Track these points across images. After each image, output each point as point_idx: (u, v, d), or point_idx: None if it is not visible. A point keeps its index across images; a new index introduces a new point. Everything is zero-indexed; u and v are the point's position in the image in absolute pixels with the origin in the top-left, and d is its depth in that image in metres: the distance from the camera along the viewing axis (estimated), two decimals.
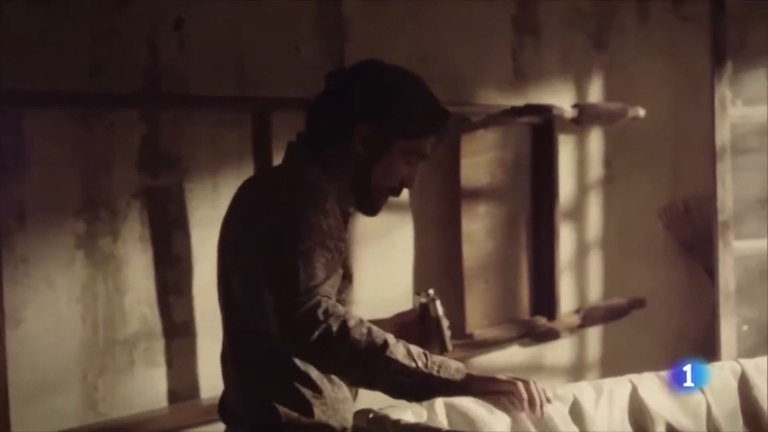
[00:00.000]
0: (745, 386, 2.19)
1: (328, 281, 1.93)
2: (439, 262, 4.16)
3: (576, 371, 4.81)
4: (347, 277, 2.15)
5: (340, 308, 1.90)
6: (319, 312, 1.86)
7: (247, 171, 3.40)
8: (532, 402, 1.94)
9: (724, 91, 3.88)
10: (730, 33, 4.08)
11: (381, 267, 3.94)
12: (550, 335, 4.48)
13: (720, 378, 2.17)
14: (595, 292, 4.91)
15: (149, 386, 3.25)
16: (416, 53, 3.90)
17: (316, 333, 1.85)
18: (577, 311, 4.72)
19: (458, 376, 1.95)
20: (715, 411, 2.13)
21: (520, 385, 1.95)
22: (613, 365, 4.62)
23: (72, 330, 3.05)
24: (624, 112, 4.64)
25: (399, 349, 1.90)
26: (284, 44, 3.61)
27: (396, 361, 1.88)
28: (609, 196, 4.92)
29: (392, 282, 3.99)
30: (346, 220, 2.12)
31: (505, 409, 1.93)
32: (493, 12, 4.30)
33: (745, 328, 4.35)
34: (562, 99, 4.56)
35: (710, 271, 4.44)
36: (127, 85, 3.16)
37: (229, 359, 2.18)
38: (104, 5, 3.11)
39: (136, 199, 3.21)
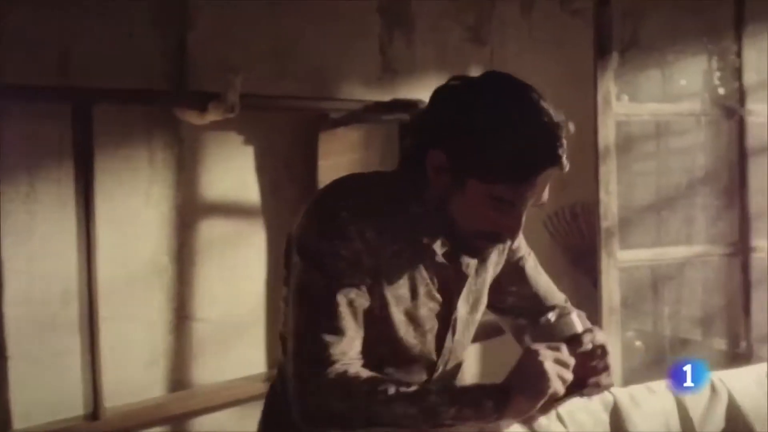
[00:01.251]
0: (617, 420, 2.05)
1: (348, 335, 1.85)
2: None
3: None
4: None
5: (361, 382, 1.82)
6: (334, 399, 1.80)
7: (68, 171, 3.17)
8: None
9: (608, 85, 3.75)
10: (622, 28, 4.02)
11: (229, 282, 3.79)
12: None
13: (589, 411, 2.01)
14: None
15: None
16: (273, 45, 3.79)
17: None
18: None
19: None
20: None
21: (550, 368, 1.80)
22: None
23: None
24: None
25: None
26: (116, 30, 3.41)
27: None
28: None
29: (242, 299, 3.82)
30: (426, 254, 1.96)
31: None
32: (359, 2, 4.15)
33: (638, 344, 4.37)
34: None
35: (597, 285, 4.24)
36: None
37: None
38: None
39: None
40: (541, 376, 1.78)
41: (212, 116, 3.47)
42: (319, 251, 1.85)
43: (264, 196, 3.84)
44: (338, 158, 3.97)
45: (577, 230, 4.92)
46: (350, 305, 1.85)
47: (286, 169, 3.89)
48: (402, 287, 1.93)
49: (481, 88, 1.85)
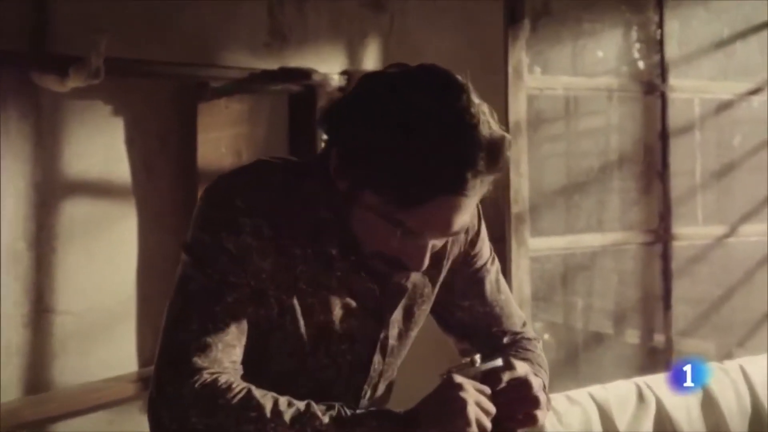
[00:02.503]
0: None
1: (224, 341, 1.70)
2: (172, 260, 3.77)
3: None
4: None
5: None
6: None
7: None
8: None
9: (519, 55, 3.65)
10: None
11: (96, 269, 3.62)
12: None
13: None
14: None
15: None
16: (146, 4, 3.62)
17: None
18: None
19: None
20: None
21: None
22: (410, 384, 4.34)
23: None
24: None
25: None
26: None
27: None
28: None
29: (111, 287, 3.66)
30: (326, 260, 1.79)
31: None
32: None
33: (546, 337, 4.33)
34: (331, 66, 4.24)
35: (505, 272, 4.22)
36: None
37: None
38: None
39: None
40: (459, 415, 1.60)
41: (74, 82, 3.30)
42: (202, 243, 1.72)
43: (135, 174, 3.69)
44: (219, 132, 3.82)
45: (483, 214, 4.77)
46: (231, 307, 1.71)
47: (160, 144, 3.74)
48: (310, 297, 1.78)
49: (402, 82, 1.63)
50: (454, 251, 1.95)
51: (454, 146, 1.57)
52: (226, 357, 1.69)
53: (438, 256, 1.88)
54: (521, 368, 1.72)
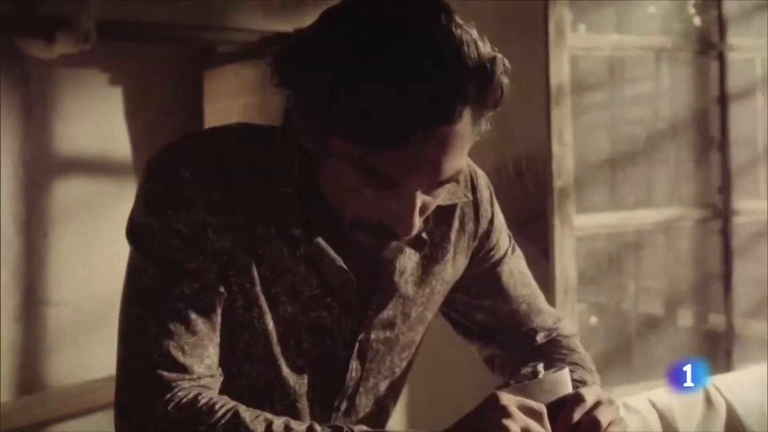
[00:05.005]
0: None
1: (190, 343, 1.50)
2: None
3: None
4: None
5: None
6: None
7: None
8: None
9: (561, 11, 3.46)
10: None
11: (93, 256, 3.56)
12: None
13: None
14: None
15: None
16: None
17: None
18: None
19: None
20: None
21: None
22: (427, 369, 4.20)
23: None
24: None
25: None
26: None
27: None
28: None
29: (109, 276, 3.42)
30: (291, 244, 1.57)
31: None
32: None
33: (593, 321, 4.19)
34: None
35: (548, 253, 4.00)
36: None
37: None
38: None
39: None
40: None
41: (62, 47, 3.20)
42: (147, 227, 1.51)
43: (136, 150, 3.62)
44: (228, 102, 3.72)
45: (522, 189, 4.57)
46: (194, 299, 1.50)
47: (163, 116, 3.66)
48: (275, 285, 1.56)
49: (366, 7, 1.42)
50: (460, 244, 1.73)
51: (434, 68, 1.36)
52: (198, 362, 1.49)
53: (438, 241, 1.70)
54: (590, 395, 1.50)
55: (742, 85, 4.10)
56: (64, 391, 3.46)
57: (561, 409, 1.49)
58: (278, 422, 1.43)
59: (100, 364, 3.44)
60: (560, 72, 3.49)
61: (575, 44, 3.57)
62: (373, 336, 1.67)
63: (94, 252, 3.53)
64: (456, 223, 1.72)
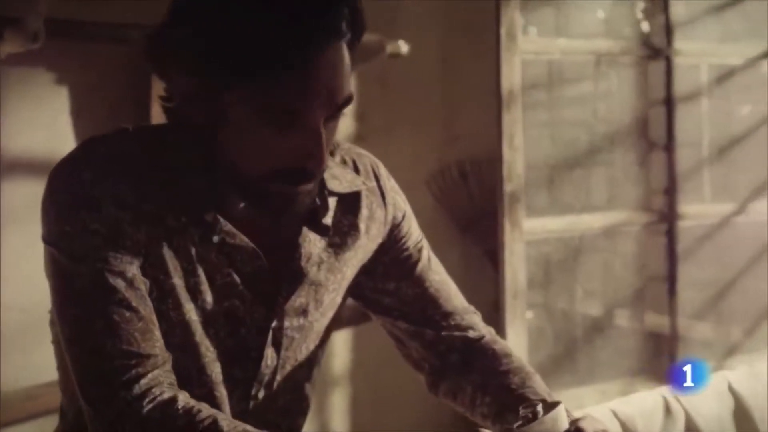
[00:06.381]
0: None
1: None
2: None
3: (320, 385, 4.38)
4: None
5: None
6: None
7: None
8: None
9: (513, 15, 3.49)
10: None
11: (39, 256, 3.36)
12: None
13: None
14: None
15: None
16: None
17: None
18: None
19: None
20: None
21: None
22: (366, 377, 4.30)
23: None
24: (380, 46, 4.10)
25: None
26: None
27: None
28: None
29: None
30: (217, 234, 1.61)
31: None
32: None
33: (540, 324, 4.20)
34: None
35: (491, 256, 4.13)
36: None
37: None
38: None
39: None
40: None
41: (10, 47, 3.16)
42: (64, 234, 1.54)
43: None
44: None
45: (466, 191, 4.62)
46: (131, 289, 1.55)
47: (111, 115, 3.57)
48: (191, 276, 1.60)
49: None
50: (371, 231, 1.79)
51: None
52: (151, 346, 1.54)
53: (346, 229, 1.76)
54: (589, 427, 1.55)
55: (688, 89, 4.15)
56: (10, 396, 3.39)
57: None
58: None
59: (49, 369, 3.43)
60: (512, 76, 3.52)
61: (527, 48, 3.60)
62: (286, 323, 1.70)
63: (41, 254, 3.44)
64: (364, 211, 1.77)
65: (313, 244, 1.68)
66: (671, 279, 4.05)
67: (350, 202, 1.75)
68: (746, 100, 4.46)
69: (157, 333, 1.55)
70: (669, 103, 4.03)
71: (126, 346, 1.50)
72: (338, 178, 1.71)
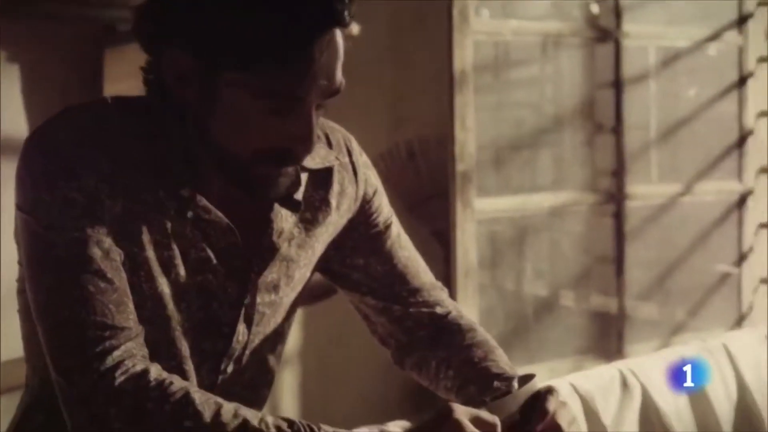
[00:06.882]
0: None
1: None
2: None
3: None
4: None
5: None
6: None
7: None
8: None
9: None
10: None
11: None
12: None
13: None
14: None
15: None
16: None
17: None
18: None
19: None
20: None
21: None
22: (318, 358, 4.31)
23: None
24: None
25: None
26: None
27: None
28: None
29: (9, 258, 3.38)
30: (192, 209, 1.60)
31: None
32: None
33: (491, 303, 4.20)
34: None
35: (439, 236, 4.14)
36: None
37: None
38: None
39: None
40: None
41: None
42: (41, 202, 1.51)
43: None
44: (129, 82, 3.46)
45: (414, 171, 4.61)
46: (107, 260, 1.53)
47: (62, 96, 3.53)
48: (165, 249, 1.59)
49: None
50: (342, 207, 1.80)
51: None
52: (125, 318, 1.52)
53: (318, 204, 1.77)
54: (552, 402, 1.58)
55: (636, 71, 4.16)
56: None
57: (531, 409, 1.55)
58: (228, 407, 1.46)
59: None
60: (464, 57, 3.50)
61: (479, 29, 3.58)
62: (258, 300, 1.71)
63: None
64: (336, 186, 1.77)
65: (284, 219, 1.69)
66: (619, 259, 4.07)
67: (322, 178, 1.75)
68: (693, 82, 4.50)
69: (131, 305, 1.54)
70: (617, 84, 4.03)
71: (100, 317, 1.49)
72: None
